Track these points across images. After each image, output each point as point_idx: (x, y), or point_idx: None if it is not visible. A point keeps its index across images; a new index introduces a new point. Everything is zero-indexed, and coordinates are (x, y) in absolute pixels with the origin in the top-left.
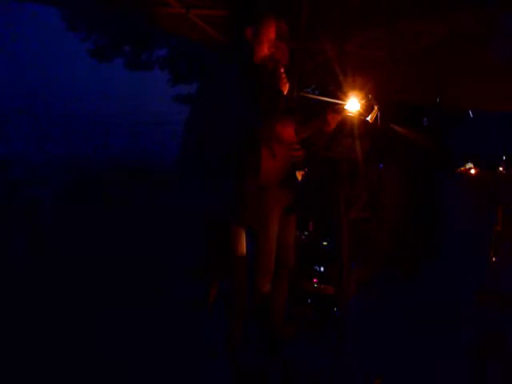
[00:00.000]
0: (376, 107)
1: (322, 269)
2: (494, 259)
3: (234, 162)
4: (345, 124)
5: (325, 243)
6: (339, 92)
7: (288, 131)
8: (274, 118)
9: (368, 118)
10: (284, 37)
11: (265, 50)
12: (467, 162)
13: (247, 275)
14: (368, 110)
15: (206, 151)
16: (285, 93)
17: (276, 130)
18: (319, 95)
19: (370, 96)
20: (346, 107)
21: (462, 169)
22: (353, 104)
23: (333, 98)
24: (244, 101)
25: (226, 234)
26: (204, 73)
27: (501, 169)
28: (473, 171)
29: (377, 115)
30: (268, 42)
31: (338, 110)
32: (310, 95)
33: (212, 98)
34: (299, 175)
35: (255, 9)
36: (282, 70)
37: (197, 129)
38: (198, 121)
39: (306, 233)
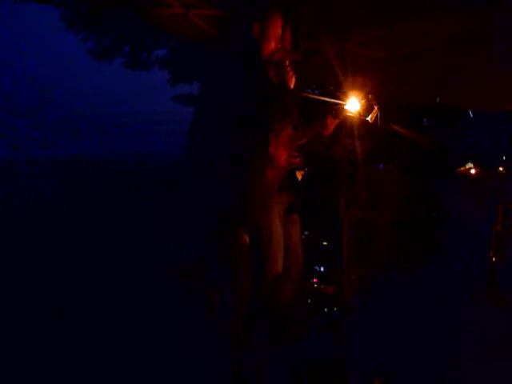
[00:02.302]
0: (376, 107)
1: (322, 269)
2: (493, 259)
3: (240, 163)
4: (345, 124)
5: (325, 243)
6: (339, 92)
7: (285, 135)
8: (279, 118)
9: (368, 118)
10: (287, 46)
11: (272, 46)
12: (467, 162)
13: (253, 277)
14: (368, 109)
15: (210, 153)
16: (291, 86)
17: (275, 134)
18: (319, 95)
19: (370, 96)
20: (345, 107)
21: (462, 169)
22: (353, 104)
23: (333, 98)
24: (251, 99)
25: (229, 238)
26: (206, 73)
27: (501, 169)
28: (473, 171)
29: (377, 115)
30: (275, 38)
31: (336, 114)
32: (310, 95)
33: (217, 97)
34: (299, 175)
35: (260, 5)
36: (288, 63)
37: (201, 129)
38: (203, 121)
39: (306, 233)
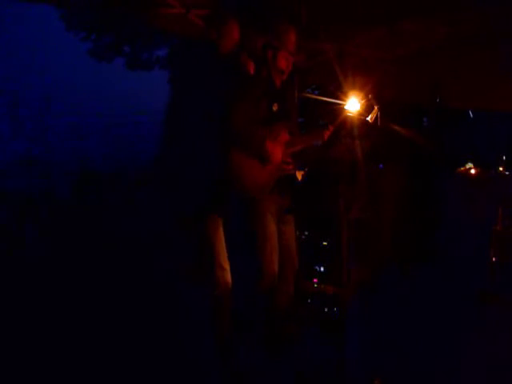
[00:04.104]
0: (376, 107)
1: (322, 269)
2: (493, 259)
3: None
4: (345, 124)
5: (325, 243)
6: (339, 92)
7: (281, 139)
8: (258, 123)
9: (368, 118)
10: (293, 49)
11: (227, 48)
12: (467, 162)
13: (231, 273)
14: (368, 109)
15: (179, 150)
16: (251, 72)
17: (269, 140)
18: (319, 95)
19: (369, 96)
20: (345, 107)
21: (462, 169)
22: (353, 104)
23: (333, 98)
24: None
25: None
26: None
27: (501, 169)
28: (473, 171)
29: (377, 115)
30: (231, 41)
31: (332, 122)
32: (310, 95)
33: (185, 96)
34: (299, 175)
35: (220, 9)
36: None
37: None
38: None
39: (306, 233)
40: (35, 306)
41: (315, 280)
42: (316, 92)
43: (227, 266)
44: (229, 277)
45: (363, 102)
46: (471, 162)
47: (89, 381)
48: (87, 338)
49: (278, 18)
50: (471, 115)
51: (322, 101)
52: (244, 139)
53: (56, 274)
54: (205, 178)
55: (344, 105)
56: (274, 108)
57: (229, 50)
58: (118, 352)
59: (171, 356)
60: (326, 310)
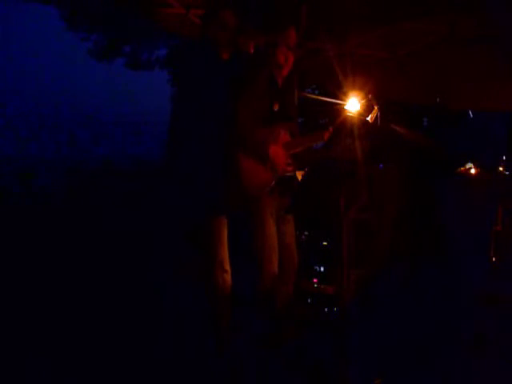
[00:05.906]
0: (376, 107)
1: (321, 269)
2: (493, 259)
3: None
4: (345, 124)
5: (325, 243)
6: (339, 92)
7: (282, 141)
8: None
9: (368, 118)
10: (292, 45)
11: (227, 40)
12: (467, 162)
13: (232, 275)
14: (368, 109)
15: (187, 148)
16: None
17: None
18: (319, 95)
19: (370, 96)
20: (345, 107)
21: (462, 169)
22: (353, 104)
23: (333, 98)
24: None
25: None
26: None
27: (501, 169)
28: (473, 171)
29: (377, 115)
30: (230, 31)
31: (330, 125)
32: (310, 95)
33: (190, 93)
34: (299, 175)
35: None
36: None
37: (179, 125)
38: (180, 117)
39: (306, 233)
40: (32, 303)
41: (315, 280)
42: (316, 92)
43: (228, 268)
44: (229, 279)
45: (363, 101)
46: (471, 161)
47: (86, 379)
48: (84, 337)
49: (277, 15)
50: (471, 115)
51: (322, 101)
52: (248, 144)
53: (55, 273)
54: (212, 178)
55: (344, 105)
56: (275, 108)
57: (229, 43)
58: (115, 352)
59: (169, 355)
60: (326, 310)
